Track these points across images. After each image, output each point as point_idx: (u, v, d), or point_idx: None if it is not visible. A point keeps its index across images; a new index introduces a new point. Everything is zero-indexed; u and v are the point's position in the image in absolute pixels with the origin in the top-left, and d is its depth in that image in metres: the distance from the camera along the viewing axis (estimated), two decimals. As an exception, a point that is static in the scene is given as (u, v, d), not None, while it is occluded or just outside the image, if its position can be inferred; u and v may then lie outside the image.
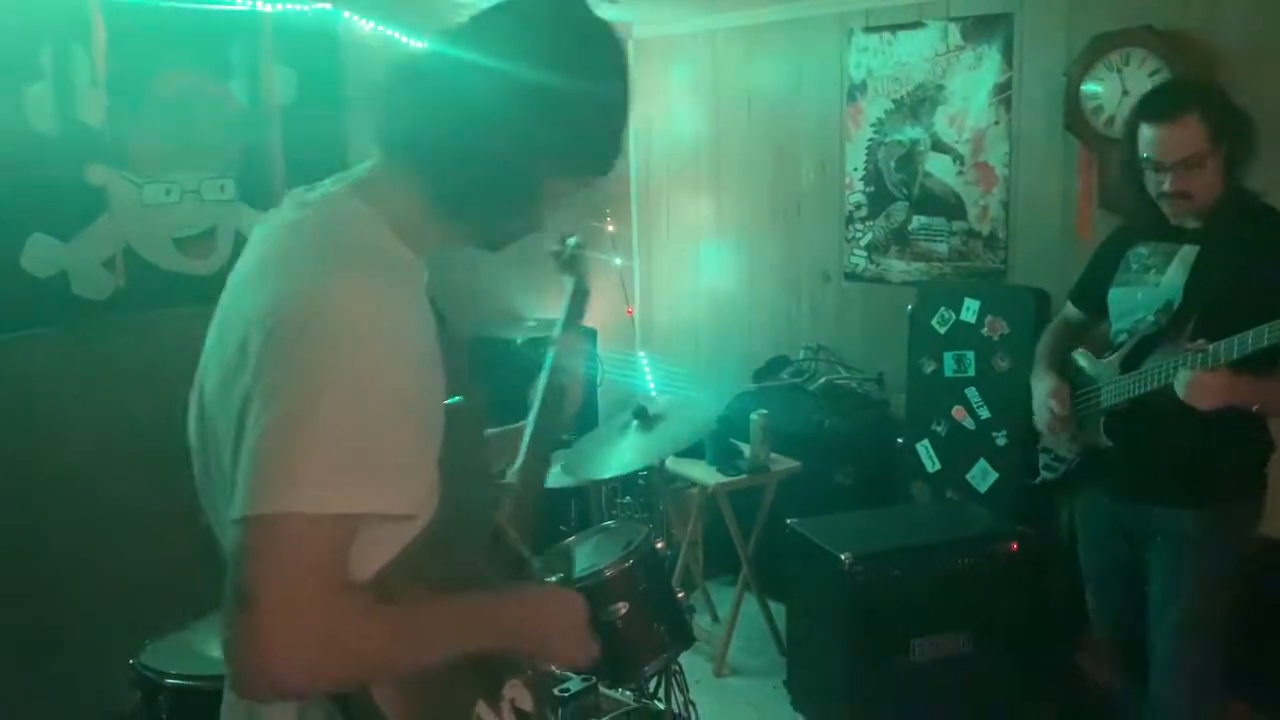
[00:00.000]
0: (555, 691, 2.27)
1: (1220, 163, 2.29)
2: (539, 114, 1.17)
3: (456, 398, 1.23)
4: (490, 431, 1.53)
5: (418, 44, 1.22)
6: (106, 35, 3.12)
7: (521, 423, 1.58)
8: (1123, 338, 2.48)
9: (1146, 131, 2.32)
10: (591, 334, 4.52)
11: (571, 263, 1.79)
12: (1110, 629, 2.67)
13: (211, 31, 3.36)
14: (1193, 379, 2.15)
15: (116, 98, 3.17)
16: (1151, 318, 2.40)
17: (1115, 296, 2.53)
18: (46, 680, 3.19)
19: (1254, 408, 2.22)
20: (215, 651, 2.38)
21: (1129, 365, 2.42)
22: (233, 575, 1.01)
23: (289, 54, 3.57)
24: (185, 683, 2.29)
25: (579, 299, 1.76)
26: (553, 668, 1.38)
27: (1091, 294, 2.63)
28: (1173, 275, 2.38)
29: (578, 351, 1.70)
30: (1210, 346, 2.15)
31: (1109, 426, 2.47)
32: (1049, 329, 2.82)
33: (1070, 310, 2.76)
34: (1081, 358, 2.60)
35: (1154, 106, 2.36)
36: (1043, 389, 2.59)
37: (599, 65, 1.22)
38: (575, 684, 2.28)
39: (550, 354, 1.65)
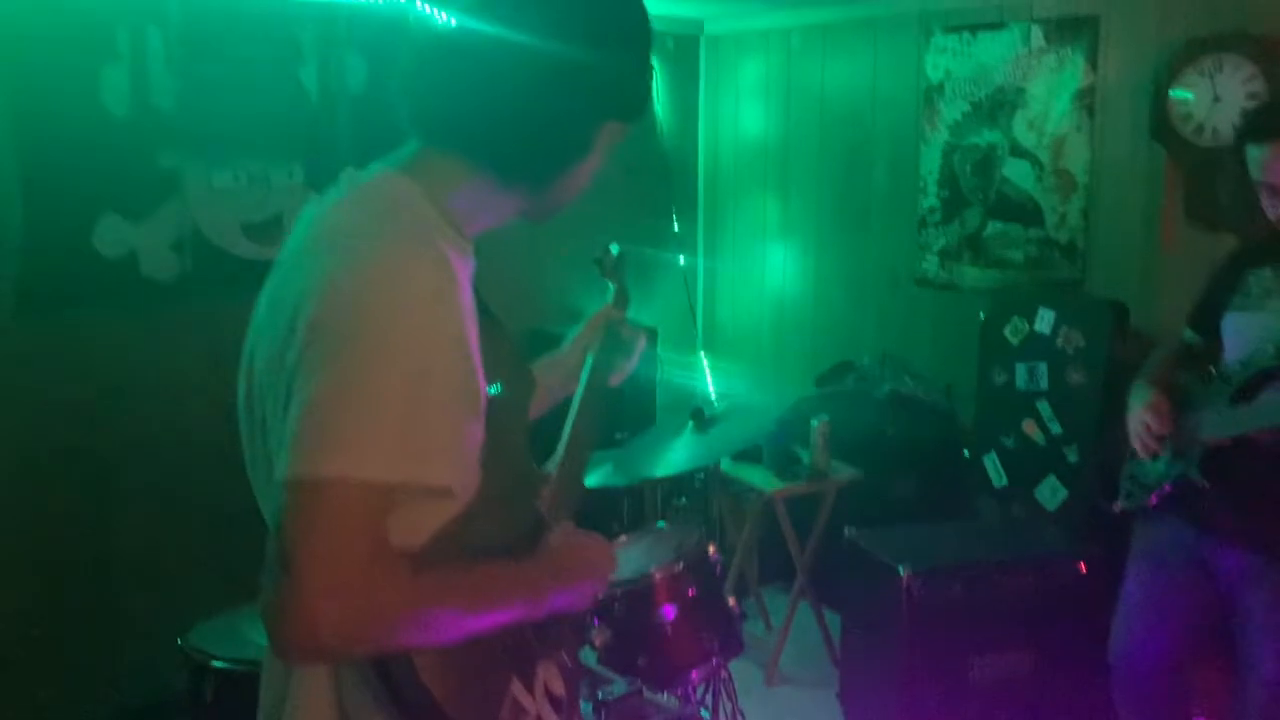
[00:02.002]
0: (597, 694, 2.23)
1: None
2: (571, 59, 1.18)
3: (497, 386, 1.22)
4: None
5: (441, 18, 1.23)
6: (181, 19, 3.15)
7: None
8: (1236, 368, 2.31)
9: (1254, 152, 2.17)
10: (652, 333, 4.48)
11: (614, 269, 1.88)
12: (1145, 648, 2.50)
13: (284, 18, 3.39)
14: None
15: (189, 81, 3.20)
16: (1271, 349, 2.23)
17: (1231, 322, 2.36)
18: (99, 655, 3.24)
19: None
20: (262, 636, 2.40)
21: (1240, 399, 2.24)
22: (275, 537, 1.03)
23: (360, 41, 3.58)
24: (231, 665, 2.30)
25: (620, 301, 1.84)
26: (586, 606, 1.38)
27: (1208, 317, 2.45)
28: None
29: (620, 348, 1.74)
30: None
31: (1206, 463, 2.29)
32: (1161, 347, 2.65)
33: (1187, 334, 2.56)
34: (1190, 382, 2.42)
35: (1261, 125, 2.21)
36: (1142, 403, 2.41)
37: (625, 13, 1.25)
38: (620, 687, 2.24)
39: (592, 352, 1.69)
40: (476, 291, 1.23)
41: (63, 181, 3.01)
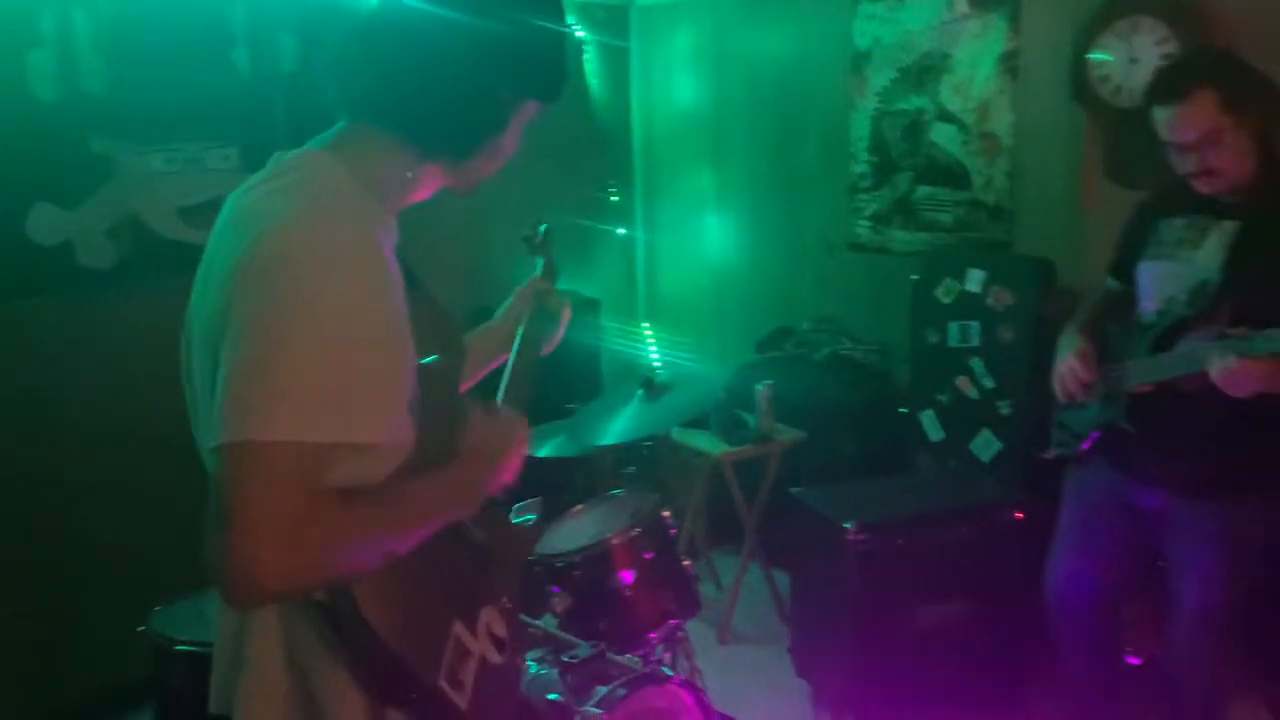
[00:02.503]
0: (562, 658, 2.29)
1: (1248, 135, 2.19)
2: (487, 38, 1.25)
3: (432, 357, 1.29)
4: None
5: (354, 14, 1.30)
6: (107, 1, 3.09)
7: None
8: (1152, 317, 2.39)
9: (1159, 114, 2.23)
10: (595, 304, 4.53)
11: (542, 244, 1.97)
12: (1079, 588, 2.61)
13: (214, 0, 3.33)
14: (1229, 366, 2.07)
15: (119, 64, 3.15)
16: (1185, 297, 2.31)
17: (1146, 271, 2.43)
18: (61, 646, 3.22)
19: None
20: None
21: (1160, 348, 2.32)
22: (214, 499, 1.09)
23: (293, 23, 3.54)
24: (195, 649, 2.31)
25: (548, 274, 1.93)
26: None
27: (1126, 266, 2.53)
28: (1209, 252, 2.28)
29: (548, 318, 1.83)
30: (1253, 335, 2.06)
31: (1132, 410, 2.39)
32: (1089, 297, 2.73)
33: (1110, 282, 2.66)
34: (1111, 333, 2.52)
35: (1162, 87, 2.26)
36: (1068, 349, 2.49)
37: None
38: (584, 650, 2.30)
39: (523, 323, 1.77)
40: (404, 263, 1.29)
41: (-8, 170, 2.95)
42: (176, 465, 3.27)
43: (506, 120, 1.33)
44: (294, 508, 1.07)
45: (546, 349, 1.83)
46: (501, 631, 1.42)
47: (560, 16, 1.36)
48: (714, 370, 3.51)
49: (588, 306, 4.48)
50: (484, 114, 1.30)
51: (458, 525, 1.38)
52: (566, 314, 1.88)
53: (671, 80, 4.95)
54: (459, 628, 1.33)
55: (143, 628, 2.43)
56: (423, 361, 1.29)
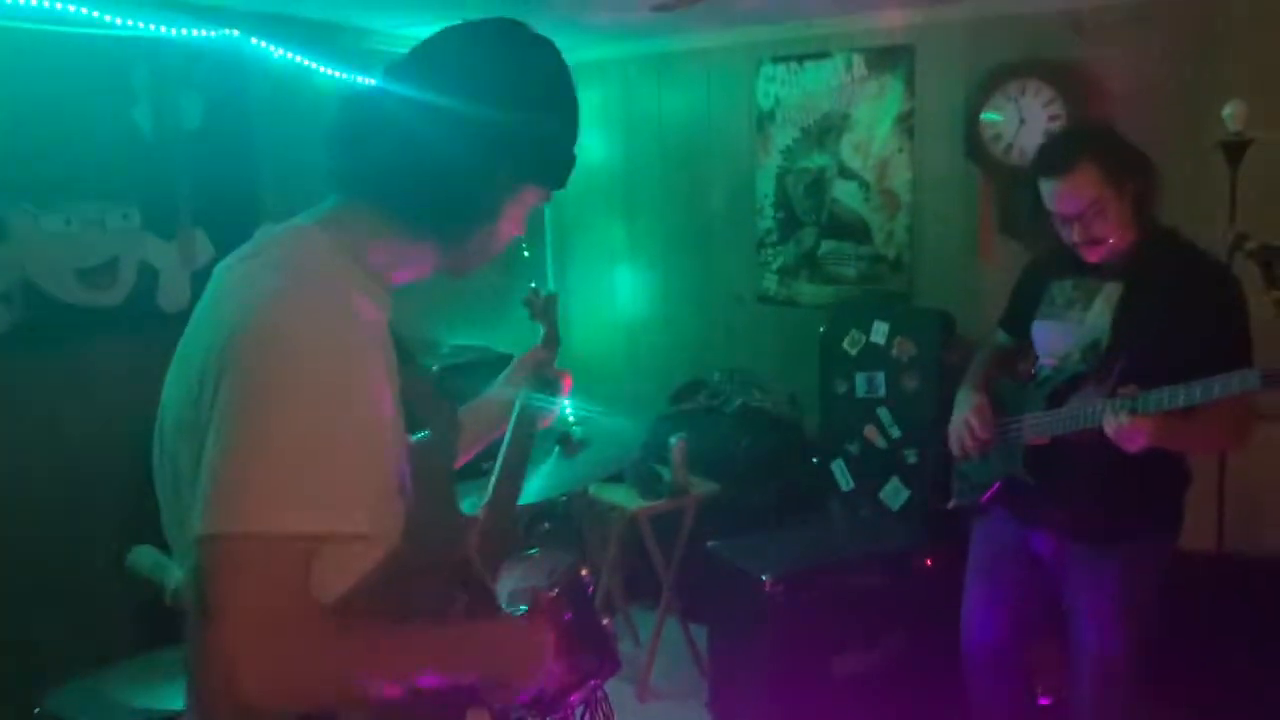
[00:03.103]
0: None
1: (1128, 204, 2.31)
2: (486, 122, 1.20)
3: (423, 433, 1.25)
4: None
5: (365, 80, 1.27)
6: (2, 59, 3.01)
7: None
8: (1047, 372, 2.50)
9: (1045, 186, 2.34)
10: (508, 360, 4.51)
11: (544, 310, 1.89)
12: (987, 633, 2.67)
13: (114, 57, 3.27)
14: (1122, 424, 2.16)
15: (12, 124, 3.05)
16: (1078, 355, 2.42)
17: (1039, 329, 2.54)
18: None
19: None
20: (129, 698, 2.31)
21: (1054, 402, 2.43)
22: (196, 595, 1.03)
23: (195, 78, 3.49)
24: (97, 730, 2.21)
25: (549, 343, 1.86)
26: (513, 701, 1.39)
27: (1018, 322, 2.65)
28: (1098, 313, 2.39)
29: (548, 391, 1.76)
30: (1141, 395, 2.16)
31: (1029, 459, 2.48)
32: (981, 349, 2.83)
33: (1001, 335, 2.77)
34: (1006, 386, 2.62)
35: (1047, 160, 2.36)
36: (965, 406, 2.59)
37: (547, 80, 1.28)
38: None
39: (522, 394, 1.71)
40: (397, 337, 1.25)
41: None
42: (70, 542, 3.18)
43: (501, 206, 1.27)
44: (279, 604, 1.02)
45: (543, 423, 1.77)
46: None
47: (572, 101, 1.32)
48: (630, 425, 3.51)
49: (500, 363, 4.46)
50: (478, 198, 1.24)
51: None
52: (567, 386, 1.81)
53: (582, 137, 4.99)
54: None
55: (38, 709, 2.33)
56: (414, 438, 1.24)
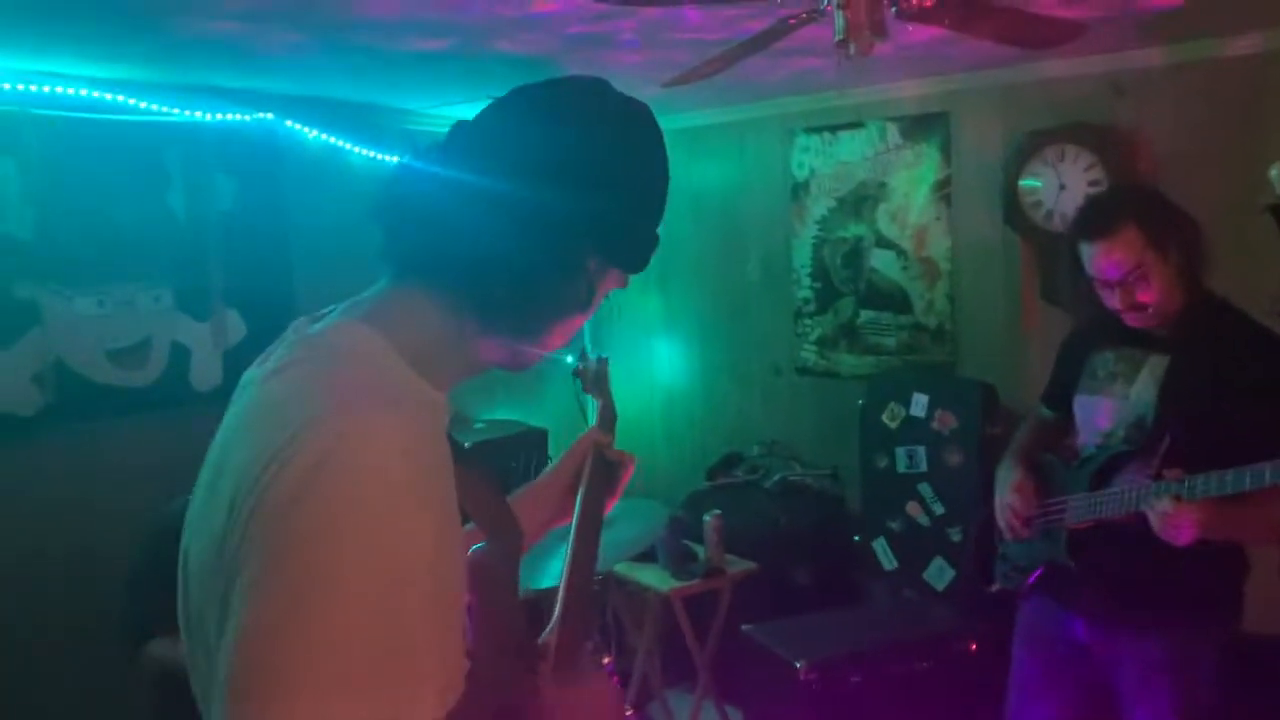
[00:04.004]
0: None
1: (1173, 269, 2.19)
2: (581, 196, 1.03)
3: (479, 545, 1.08)
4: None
5: (415, 156, 1.07)
6: (38, 147, 3.08)
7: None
8: (1090, 450, 2.37)
9: (1084, 249, 2.24)
10: (543, 434, 4.47)
11: (596, 381, 1.67)
12: None
13: (148, 141, 3.34)
14: (1167, 513, 2.03)
15: (47, 210, 3.12)
16: (1122, 433, 2.29)
17: (1081, 404, 2.41)
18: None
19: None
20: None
21: (1097, 483, 2.29)
22: None
23: (228, 162, 3.55)
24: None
25: (606, 421, 1.62)
26: None
27: (1060, 396, 2.52)
28: (1142, 388, 2.26)
29: (609, 475, 1.53)
30: (1187, 479, 2.04)
31: (1072, 545, 2.35)
32: (1024, 423, 2.70)
33: (1044, 409, 2.64)
34: (1051, 465, 2.48)
35: (1087, 223, 2.26)
36: (1005, 484, 2.46)
37: (641, 151, 1.11)
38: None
39: (584, 485, 1.48)
40: (452, 440, 1.03)
41: (-89, 318, 2.88)
42: (85, 624, 3.15)
43: (589, 294, 1.07)
44: None
45: (606, 509, 1.50)
46: None
47: (665, 172, 1.14)
48: (657, 505, 3.44)
49: (535, 437, 4.42)
50: (571, 283, 1.05)
51: None
52: (630, 468, 1.55)
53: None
54: None
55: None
56: (471, 550, 1.06)
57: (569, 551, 1.38)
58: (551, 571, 2.59)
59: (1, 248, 3.04)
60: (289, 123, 3.70)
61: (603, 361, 1.66)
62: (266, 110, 3.60)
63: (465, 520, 1.05)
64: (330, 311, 1.05)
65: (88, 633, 3.18)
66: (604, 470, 1.51)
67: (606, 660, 2.53)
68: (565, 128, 1.04)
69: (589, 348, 5.06)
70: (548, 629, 1.27)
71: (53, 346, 3.17)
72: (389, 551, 0.83)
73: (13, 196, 3.05)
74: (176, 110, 3.35)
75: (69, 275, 3.18)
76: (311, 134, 3.77)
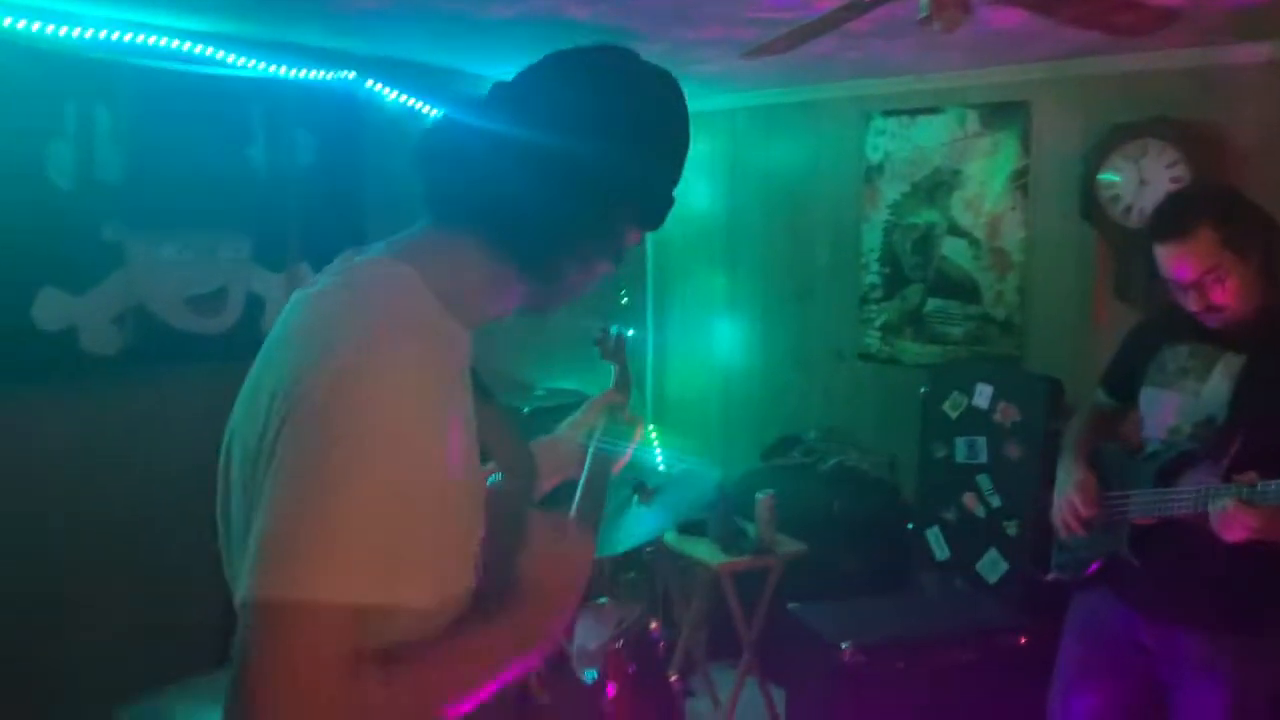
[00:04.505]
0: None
1: (1251, 271, 2.14)
2: (615, 154, 1.14)
3: (496, 475, 1.17)
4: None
5: (456, 111, 1.18)
6: (129, 95, 3.17)
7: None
8: (1157, 445, 2.33)
9: (1159, 251, 2.19)
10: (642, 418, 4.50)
11: (615, 351, 1.80)
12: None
13: (234, 96, 3.41)
14: (1229, 508, 2.00)
15: (135, 157, 3.20)
16: (1189, 429, 2.26)
17: (1149, 397, 2.37)
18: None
19: None
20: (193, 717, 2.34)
21: (1163, 479, 2.25)
22: (236, 664, 0.94)
23: (309, 119, 3.62)
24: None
25: (622, 385, 1.76)
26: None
27: (1124, 385, 2.48)
28: (1215, 386, 2.22)
29: (620, 435, 1.66)
30: (1261, 483, 2.00)
31: (1135, 540, 2.31)
32: (1081, 412, 2.67)
33: (1101, 395, 2.60)
34: (1114, 456, 2.44)
35: (1161, 223, 2.21)
36: (1067, 481, 2.43)
37: (658, 115, 1.21)
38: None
39: (595, 439, 1.62)
40: (476, 375, 1.17)
41: (1, 254, 2.98)
42: (165, 555, 3.27)
43: (619, 243, 1.20)
44: (329, 678, 0.92)
45: (615, 468, 1.65)
46: None
47: (683, 138, 1.25)
48: (707, 470, 3.45)
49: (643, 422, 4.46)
50: (581, 236, 1.16)
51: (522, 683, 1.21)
52: (640, 431, 1.70)
53: (686, 185, 4.96)
54: None
55: (110, 725, 2.37)
56: (489, 481, 1.16)
57: (578, 497, 1.51)
58: (615, 539, 2.62)
59: (92, 191, 3.14)
60: (369, 83, 3.76)
61: (621, 336, 1.80)
62: (348, 70, 3.67)
63: (485, 459, 1.16)
64: (374, 247, 1.16)
65: (154, 566, 3.30)
66: (616, 429, 1.65)
67: (654, 625, 2.55)
68: (596, 89, 1.15)
69: (647, 329, 5.09)
70: None
71: (135, 290, 3.26)
72: (400, 453, 0.97)
73: (104, 141, 3.14)
74: (261, 65, 3.43)
75: (154, 221, 3.27)
76: (391, 95, 3.83)
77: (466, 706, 1.06)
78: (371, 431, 0.96)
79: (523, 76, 1.19)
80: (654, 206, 1.22)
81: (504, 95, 1.17)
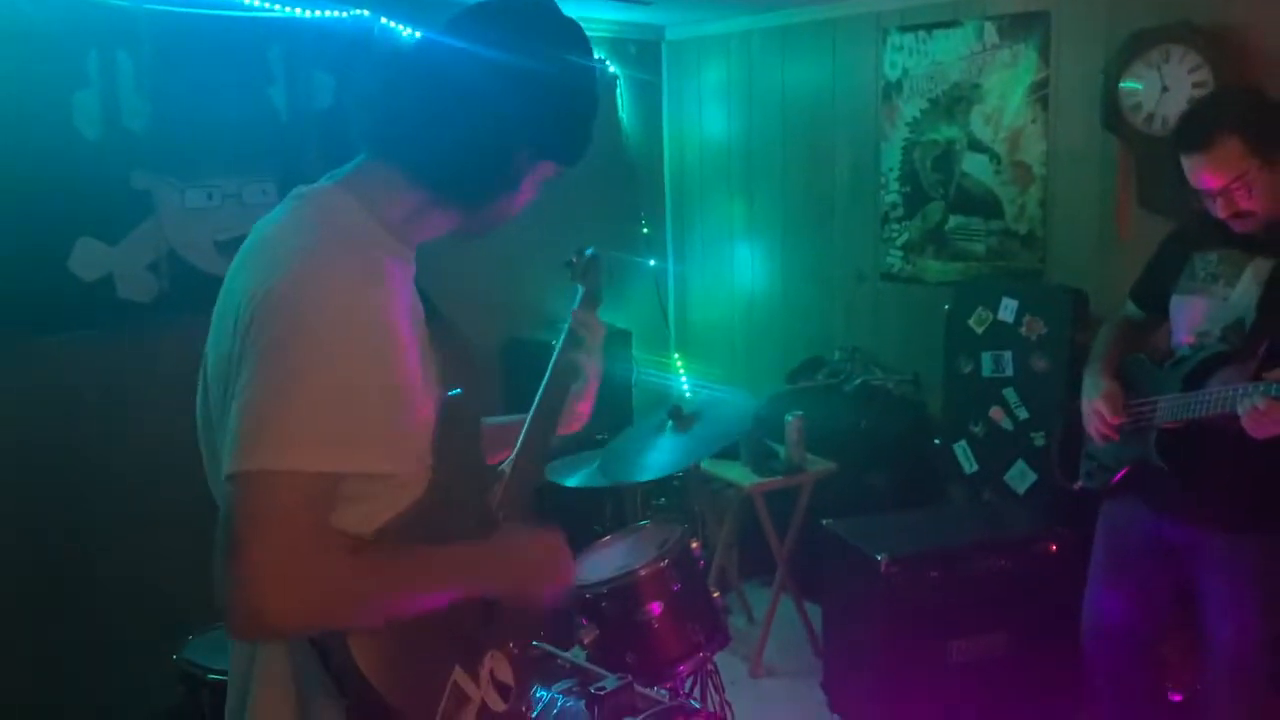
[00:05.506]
0: (589, 689, 2.28)
1: (1278, 175, 2.15)
2: (513, 98, 1.27)
3: (456, 390, 1.31)
4: (493, 421, 1.63)
5: (400, 39, 1.32)
6: (151, 40, 3.17)
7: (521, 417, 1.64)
8: (1185, 350, 2.36)
9: (1185, 161, 2.21)
10: (626, 335, 4.55)
11: (585, 272, 1.90)
12: (1113, 619, 2.56)
13: (253, 38, 3.41)
14: (1260, 406, 2.03)
15: (160, 103, 3.22)
16: (1218, 333, 2.28)
17: (1178, 304, 2.40)
18: (92, 677, 3.25)
19: None
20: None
21: (1191, 383, 2.28)
22: (224, 529, 1.10)
23: (327, 59, 3.61)
24: (226, 678, 2.32)
25: (587, 304, 1.87)
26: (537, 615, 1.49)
27: (1153, 295, 2.51)
28: (1244, 290, 2.25)
29: (586, 343, 1.77)
30: None
31: (1162, 444, 2.35)
32: (1108, 324, 2.69)
33: (1131, 308, 2.63)
34: (1141, 364, 2.48)
35: (1185, 134, 2.23)
36: (1096, 392, 2.46)
37: (566, 55, 1.33)
38: (612, 682, 2.29)
39: (556, 350, 1.73)
40: (425, 295, 1.34)
41: (38, 206, 3.02)
42: (210, 497, 3.35)
43: (520, 179, 1.34)
44: (302, 539, 1.09)
45: (590, 385, 1.76)
46: (507, 677, 1.40)
47: (593, 82, 1.38)
48: (743, 398, 3.50)
49: (619, 338, 4.50)
50: (498, 169, 1.31)
51: None
52: (599, 340, 1.80)
53: (702, 112, 4.98)
54: (459, 674, 1.32)
55: (176, 656, 2.46)
56: (449, 394, 1.30)
57: (535, 404, 1.63)
58: (650, 463, 2.68)
59: (119, 139, 3.16)
60: (384, 19, 3.74)
61: (596, 258, 1.91)
62: (363, 7, 3.65)
63: (450, 386, 1.33)
64: (321, 180, 1.34)
65: (198, 506, 3.37)
66: (575, 345, 1.76)
67: (695, 545, 2.62)
68: (502, 40, 1.28)
69: (668, 258, 5.10)
70: (506, 461, 1.56)
71: (166, 236, 3.31)
72: (347, 347, 1.14)
73: (127, 89, 3.16)
74: (278, 6, 3.42)
75: (181, 168, 3.31)
76: (405, 32, 3.81)
77: (417, 608, 1.22)
78: (321, 323, 1.13)
79: (453, 23, 1.31)
80: (571, 145, 1.36)
81: (427, 45, 1.32)
